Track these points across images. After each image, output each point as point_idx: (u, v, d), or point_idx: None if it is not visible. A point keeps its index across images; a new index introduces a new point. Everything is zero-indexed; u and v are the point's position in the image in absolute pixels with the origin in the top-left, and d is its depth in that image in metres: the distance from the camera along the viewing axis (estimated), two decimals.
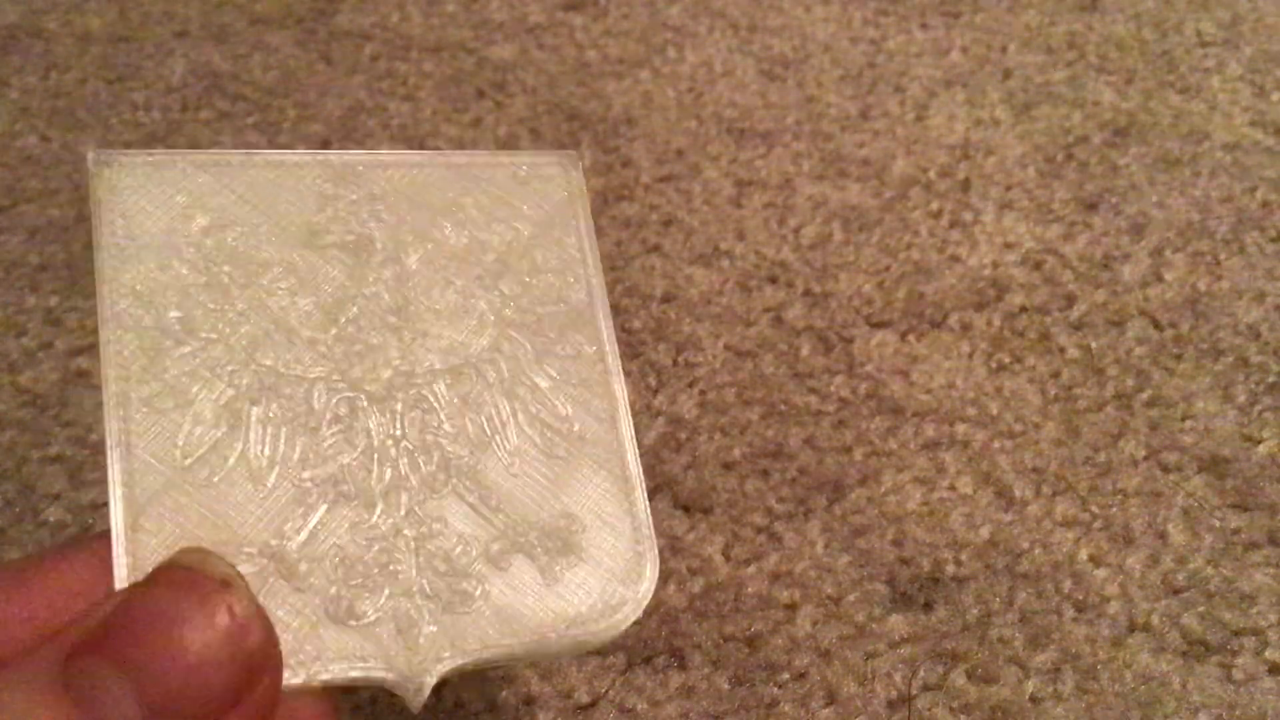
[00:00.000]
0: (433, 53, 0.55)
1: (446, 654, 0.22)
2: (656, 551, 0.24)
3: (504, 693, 0.33)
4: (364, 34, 0.56)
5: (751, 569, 0.36)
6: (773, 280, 0.45)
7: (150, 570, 0.20)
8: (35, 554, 0.22)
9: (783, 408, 0.40)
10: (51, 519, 0.36)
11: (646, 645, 0.34)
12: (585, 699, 0.33)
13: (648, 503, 0.25)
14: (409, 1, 0.58)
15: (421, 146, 0.50)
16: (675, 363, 0.42)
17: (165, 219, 0.24)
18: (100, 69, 0.54)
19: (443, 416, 0.24)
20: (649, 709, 0.33)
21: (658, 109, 0.52)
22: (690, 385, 0.41)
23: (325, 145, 0.50)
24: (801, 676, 0.33)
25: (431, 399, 0.24)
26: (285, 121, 0.51)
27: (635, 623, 0.24)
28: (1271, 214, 0.48)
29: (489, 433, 0.24)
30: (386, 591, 0.22)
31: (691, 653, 0.34)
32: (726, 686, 0.33)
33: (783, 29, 0.57)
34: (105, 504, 0.37)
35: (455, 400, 0.24)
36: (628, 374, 0.41)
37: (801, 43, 0.56)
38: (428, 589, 0.23)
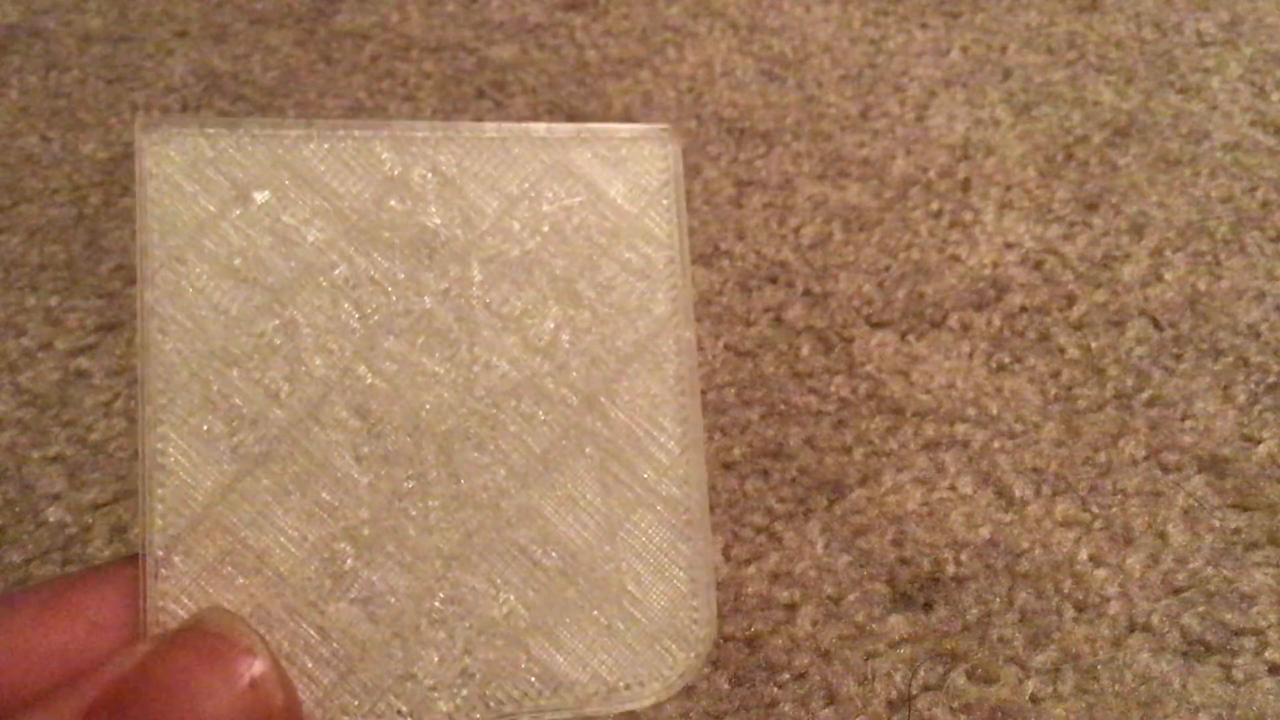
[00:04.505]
0: (433, 53, 0.55)
1: (479, 715, 0.21)
2: (715, 608, 0.22)
3: None
4: (364, 34, 0.56)
5: (751, 569, 0.36)
6: (773, 280, 0.45)
7: (176, 615, 0.20)
8: (60, 580, 0.22)
9: (783, 408, 0.40)
10: (51, 519, 0.36)
11: None
12: None
13: (711, 553, 0.22)
14: (409, 1, 0.58)
15: None
16: None
17: (218, 202, 0.22)
18: (100, 69, 0.54)
19: (498, 445, 0.22)
20: (649, 709, 0.33)
21: (658, 109, 0.52)
22: None
23: None
24: (801, 676, 0.33)
25: (489, 423, 0.22)
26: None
27: (686, 687, 0.22)
28: (1271, 214, 0.48)
29: (547, 465, 0.22)
30: (422, 644, 0.21)
31: None
32: (726, 686, 0.33)
33: (783, 29, 0.57)
34: (105, 504, 0.37)
35: (513, 426, 0.22)
36: None
37: (801, 43, 0.56)
38: (466, 643, 0.21)
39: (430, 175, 0.23)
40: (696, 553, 0.22)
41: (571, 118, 0.52)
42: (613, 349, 0.23)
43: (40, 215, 0.47)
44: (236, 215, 0.22)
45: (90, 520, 0.36)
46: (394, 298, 0.22)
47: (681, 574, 0.22)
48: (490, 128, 0.24)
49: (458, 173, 0.23)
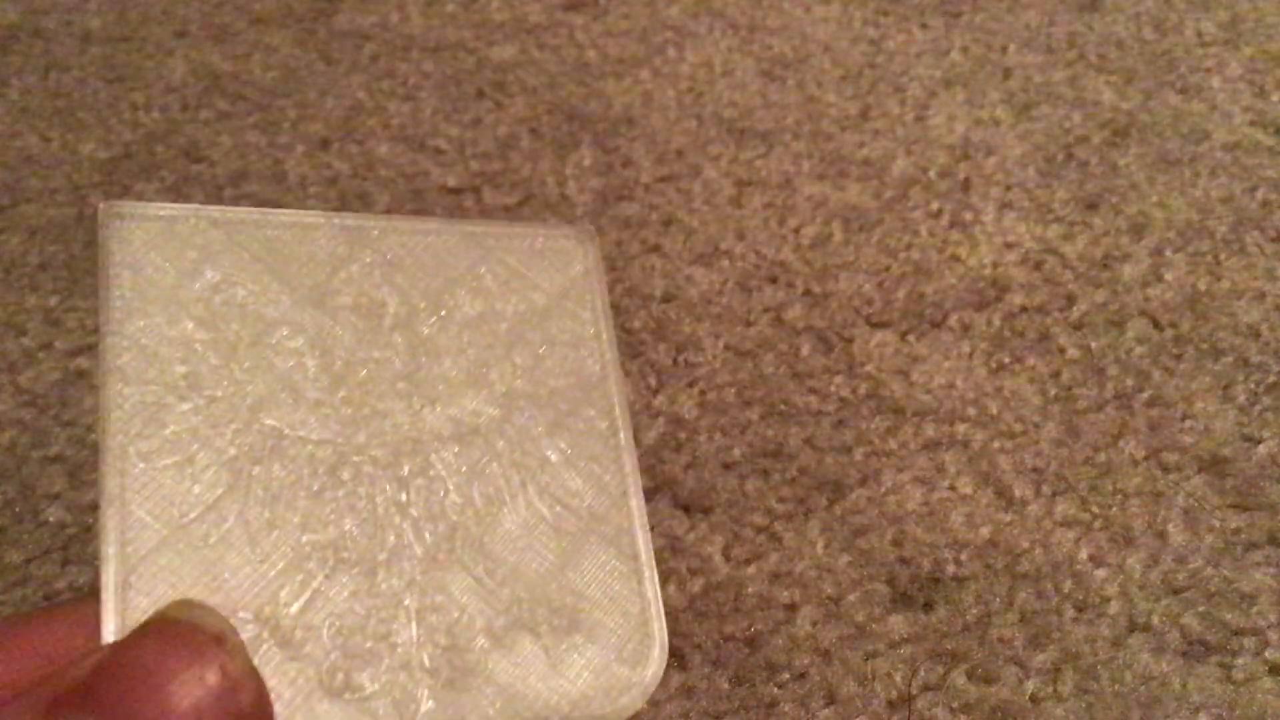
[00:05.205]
0: (433, 53, 0.55)
1: None
2: (665, 635, 0.24)
3: None
4: (364, 34, 0.56)
5: (751, 569, 0.36)
6: (773, 280, 0.45)
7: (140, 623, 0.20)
8: (20, 614, 0.22)
9: (783, 408, 0.40)
10: (51, 519, 0.36)
11: None
12: None
13: (658, 584, 0.24)
14: (409, 1, 0.58)
15: (421, 147, 0.50)
16: (675, 363, 0.42)
17: (174, 274, 0.24)
18: (100, 69, 0.54)
19: (450, 485, 0.24)
20: (649, 709, 0.33)
21: (658, 109, 0.52)
22: (690, 385, 0.41)
23: (325, 145, 0.50)
24: (801, 676, 0.33)
25: (439, 467, 0.24)
26: (285, 121, 0.51)
27: (638, 712, 0.23)
28: (1271, 214, 0.48)
29: (497, 504, 0.24)
30: (385, 663, 0.22)
31: (691, 653, 0.34)
32: (726, 686, 0.33)
33: (783, 29, 0.57)
34: None
35: (463, 469, 0.24)
36: (628, 374, 0.41)
37: (801, 43, 0.56)
38: (428, 663, 0.22)
39: (375, 257, 0.26)
40: (644, 583, 0.24)
41: (571, 118, 0.52)
42: (550, 404, 0.25)
43: (40, 215, 0.47)
44: (192, 286, 0.24)
45: (90, 520, 0.37)
46: (343, 358, 0.24)
47: (632, 604, 0.24)
48: (429, 221, 0.27)
49: (401, 255, 0.26)
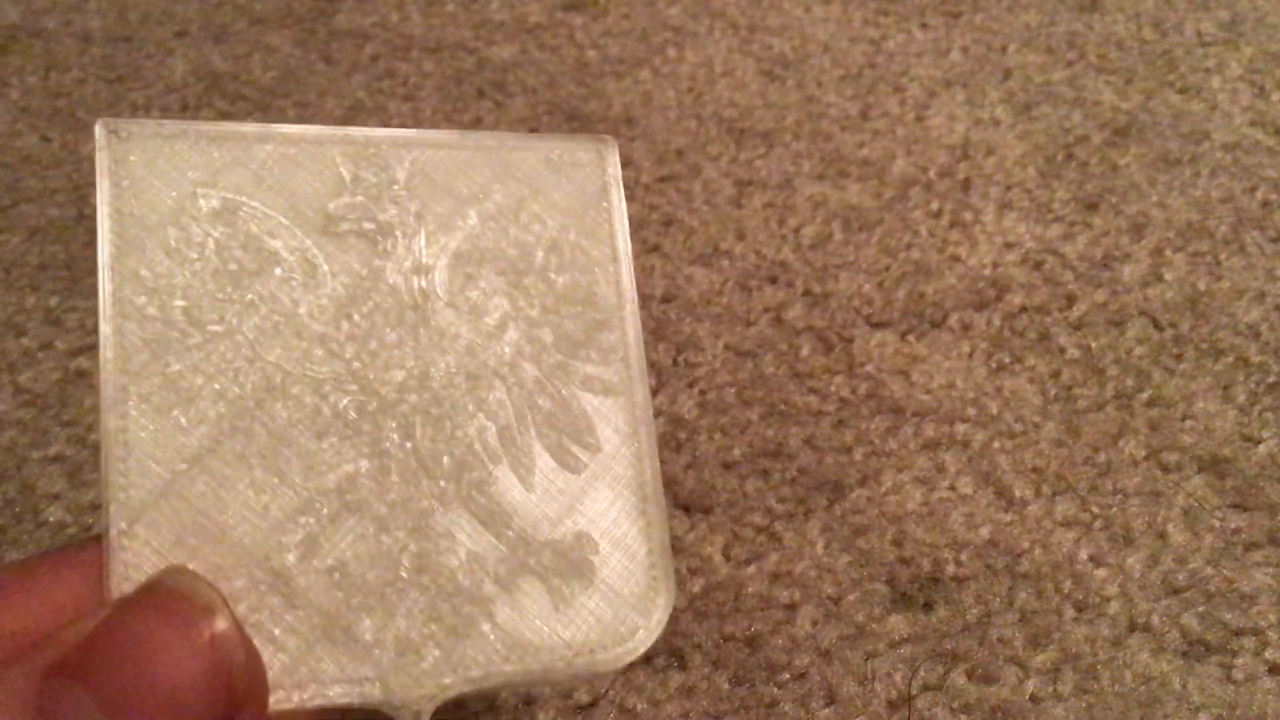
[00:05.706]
0: (433, 53, 0.55)
1: (448, 679, 0.21)
2: (673, 577, 0.23)
3: (504, 691, 0.33)
4: (364, 34, 0.56)
5: (751, 569, 0.36)
6: (773, 280, 0.45)
7: (138, 585, 0.19)
8: (20, 562, 0.21)
9: (783, 408, 0.40)
10: (51, 519, 0.36)
11: None
12: (585, 699, 0.33)
13: (666, 527, 0.23)
14: (409, 1, 0.58)
15: None
16: (675, 363, 0.42)
17: (174, 198, 0.22)
18: (100, 69, 0.54)
19: (456, 423, 0.22)
20: (649, 709, 0.33)
21: (658, 109, 0.52)
22: (690, 385, 0.41)
23: None
24: (801, 676, 0.33)
25: (446, 404, 0.23)
26: (285, 121, 0.51)
27: (646, 652, 0.22)
28: (1271, 214, 0.48)
29: (505, 443, 0.23)
30: (388, 611, 0.21)
31: (691, 653, 0.34)
32: (726, 686, 0.33)
33: (783, 29, 0.57)
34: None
35: (470, 406, 0.23)
36: None
37: (801, 43, 0.56)
38: (432, 610, 0.21)
39: (383, 176, 0.24)
40: (653, 524, 0.23)
41: (571, 118, 0.52)
42: (563, 335, 0.24)
43: (40, 215, 0.47)
44: (193, 211, 0.22)
45: (90, 520, 0.37)
46: (349, 288, 0.23)
47: (639, 546, 0.23)
48: (440, 134, 0.25)
49: (410, 173, 0.24)
